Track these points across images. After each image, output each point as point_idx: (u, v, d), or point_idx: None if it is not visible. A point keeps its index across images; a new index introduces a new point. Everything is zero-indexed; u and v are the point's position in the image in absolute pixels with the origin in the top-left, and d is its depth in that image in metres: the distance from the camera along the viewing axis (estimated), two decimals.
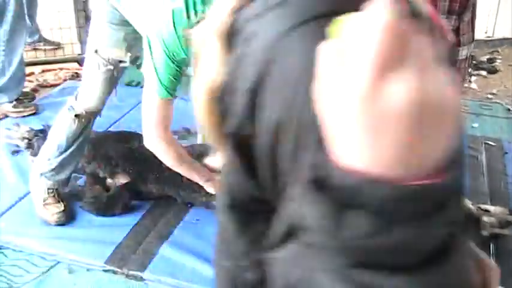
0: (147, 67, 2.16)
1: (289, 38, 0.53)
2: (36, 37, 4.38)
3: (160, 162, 2.34)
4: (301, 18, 0.53)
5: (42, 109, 3.57)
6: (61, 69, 4.21)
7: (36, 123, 3.23)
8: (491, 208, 2.59)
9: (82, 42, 4.16)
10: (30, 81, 3.94)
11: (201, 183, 2.43)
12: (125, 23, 2.31)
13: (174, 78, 2.15)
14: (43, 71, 4.18)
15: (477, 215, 2.51)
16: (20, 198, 2.71)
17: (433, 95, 0.40)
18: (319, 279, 0.46)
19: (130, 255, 2.38)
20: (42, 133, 3.00)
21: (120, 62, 2.38)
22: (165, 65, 2.12)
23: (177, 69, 2.15)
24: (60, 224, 2.56)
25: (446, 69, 0.42)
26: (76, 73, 4.07)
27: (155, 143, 2.25)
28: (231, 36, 0.59)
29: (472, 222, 2.47)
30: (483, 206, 2.60)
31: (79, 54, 4.25)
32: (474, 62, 4.43)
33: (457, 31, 1.79)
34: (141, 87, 2.92)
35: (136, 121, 2.73)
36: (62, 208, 2.58)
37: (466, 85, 3.94)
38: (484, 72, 4.41)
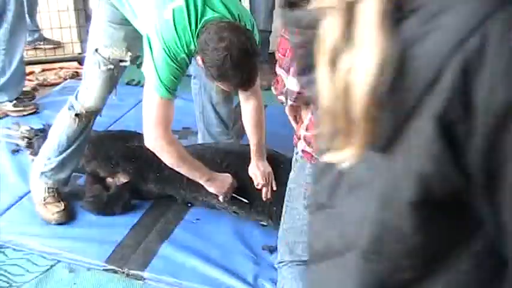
0: (147, 66, 2.16)
1: (495, 21, 0.53)
2: (36, 36, 4.38)
3: (161, 162, 2.34)
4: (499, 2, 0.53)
5: (42, 108, 3.57)
6: (61, 68, 4.21)
7: (36, 123, 3.23)
8: None
9: (82, 41, 4.17)
10: (30, 80, 3.94)
11: (201, 182, 2.43)
12: (125, 22, 2.30)
13: (175, 78, 2.15)
14: (43, 70, 4.18)
15: None
16: (20, 198, 2.71)
17: None
18: None
19: (131, 255, 2.38)
20: (42, 132, 3.00)
21: (121, 61, 2.38)
22: (165, 64, 2.12)
23: (178, 68, 2.15)
24: (61, 223, 2.55)
25: None
26: (76, 72, 4.07)
27: (156, 143, 2.25)
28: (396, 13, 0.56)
29: None
30: None
31: (79, 54, 4.25)
32: None
33: None
34: (141, 86, 2.92)
35: (136, 120, 2.73)
36: (62, 207, 2.57)
37: None
38: None
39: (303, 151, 2.00)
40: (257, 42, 2.17)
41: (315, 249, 0.84)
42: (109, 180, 2.68)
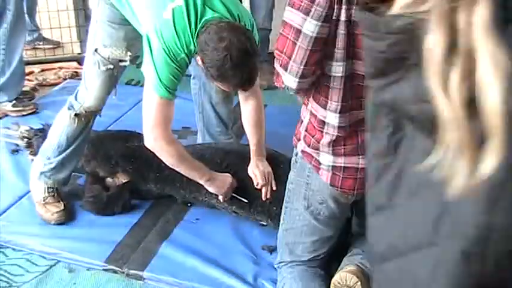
0: (147, 66, 2.16)
1: None
2: (35, 35, 4.38)
3: (160, 162, 2.34)
4: None
5: (41, 108, 3.56)
6: (61, 68, 4.21)
7: (35, 123, 3.22)
8: None
9: (82, 41, 4.17)
10: (29, 80, 3.93)
11: (201, 182, 2.43)
12: (124, 22, 2.30)
13: (174, 78, 2.15)
14: (43, 70, 4.17)
15: None
16: (20, 198, 2.71)
17: None
18: None
19: (130, 255, 2.38)
20: (41, 132, 3.00)
21: (120, 61, 2.38)
22: (165, 64, 2.12)
23: (177, 68, 2.15)
24: (60, 223, 2.55)
25: None
26: (76, 72, 4.07)
27: (155, 143, 2.25)
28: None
29: None
30: None
31: (79, 54, 4.25)
32: None
33: None
34: (141, 86, 2.91)
35: (136, 120, 2.73)
36: (62, 207, 2.57)
37: None
38: None
39: (302, 152, 2.00)
40: (257, 42, 2.17)
41: (378, 250, 0.86)
42: (109, 180, 2.68)
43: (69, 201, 2.64)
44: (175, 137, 2.47)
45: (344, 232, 2.22)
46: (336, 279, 2.04)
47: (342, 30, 1.75)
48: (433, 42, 0.62)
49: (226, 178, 2.46)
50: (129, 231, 2.53)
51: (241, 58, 2.04)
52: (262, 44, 3.05)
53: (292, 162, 2.11)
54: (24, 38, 3.59)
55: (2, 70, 3.43)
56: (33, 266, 2.33)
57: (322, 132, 1.90)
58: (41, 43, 4.41)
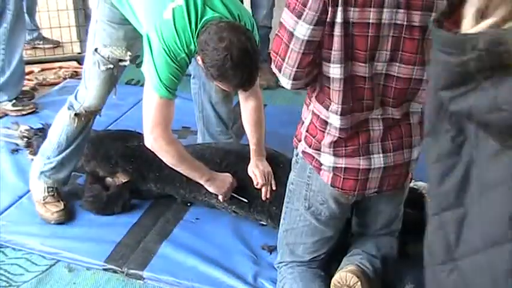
0: (147, 66, 2.16)
1: None
2: (35, 35, 4.38)
3: (160, 161, 2.34)
4: None
5: (41, 108, 3.57)
6: (61, 68, 4.21)
7: (35, 122, 3.22)
8: None
9: (82, 40, 4.17)
10: (29, 79, 3.94)
11: (201, 182, 2.43)
12: (124, 21, 2.30)
13: (174, 78, 2.15)
14: (42, 70, 4.18)
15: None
16: (20, 197, 2.71)
17: None
18: None
19: (130, 254, 2.38)
20: (41, 132, 3.00)
21: (120, 60, 2.38)
22: (165, 64, 2.12)
23: (178, 68, 2.15)
24: (60, 222, 2.55)
25: None
26: (76, 72, 4.07)
27: (155, 142, 2.25)
28: None
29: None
30: None
31: (79, 53, 4.26)
32: None
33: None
34: (141, 86, 2.92)
35: (136, 120, 2.73)
36: (62, 207, 2.57)
37: None
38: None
39: (303, 152, 2.00)
40: (257, 42, 2.17)
41: (440, 249, 0.96)
42: (108, 179, 2.68)
43: (69, 201, 2.64)
44: (175, 136, 2.47)
45: (344, 232, 2.22)
46: (336, 279, 2.04)
47: (337, 32, 1.73)
48: None
49: (226, 178, 2.46)
50: (129, 230, 2.53)
51: (242, 58, 2.04)
52: (262, 44, 3.06)
53: (292, 162, 2.11)
54: (24, 37, 3.59)
55: (2, 70, 3.43)
56: (33, 266, 2.33)
57: (323, 132, 1.90)
58: (41, 42, 4.42)
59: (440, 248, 0.96)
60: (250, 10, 3.94)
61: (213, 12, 2.14)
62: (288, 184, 2.15)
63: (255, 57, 2.10)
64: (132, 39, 2.34)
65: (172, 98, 2.19)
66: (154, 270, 2.30)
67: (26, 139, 3.07)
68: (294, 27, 1.75)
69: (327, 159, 1.92)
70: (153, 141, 2.25)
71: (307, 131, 1.96)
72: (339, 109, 1.83)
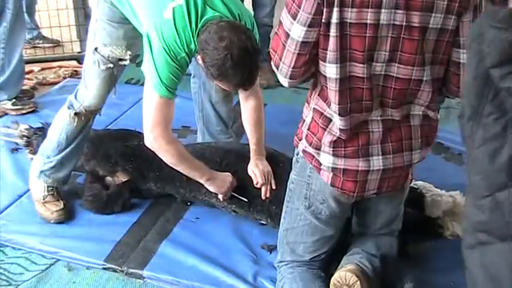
0: (147, 65, 2.16)
1: None
2: (35, 34, 4.38)
3: (160, 161, 2.34)
4: None
5: (41, 107, 3.57)
6: (60, 67, 4.21)
7: (35, 121, 3.22)
8: None
9: (82, 40, 4.17)
10: (29, 79, 3.94)
11: (201, 181, 2.43)
12: (124, 20, 2.30)
13: (175, 77, 2.15)
14: (42, 69, 4.18)
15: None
16: (20, 196, 2.71)
17: None
18: None
19: (130, 253, 2.38)
20: (41, 131, 3.00)
21: (120, 60, 2.38)
22: (165, 64, 2.12)
23: (178, 68, 2.15)
24: (60, 222, 2.55)
25: None
26: (75, 71, 4.07)
27: (155, 142, 2.25)
28: None
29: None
30: None
31: (79, 52, 4.25)
32: None
33: (456, 32, 1.78)
34: (141, 85, 2.91)
35: (135, 119, 2.73)
36: (62, 206, 2.57)
37: None
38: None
39: (303, 151, 2.00)
40: (257, 41, 2.17)
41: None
42: (108, 179, 2.68)
43: (68, 200, 2.64)
44: (175, 136, 2.47)
45: (344, 231, 2.22)
46: (336, 278, 2.04)
47: (333, 32, 1.74)
48: None
49: (226, 177, 2.46)
50: (129, 230, 2.53)
51: (242, 57, 2.04)
52: (263, 43, 3.05)
53: (293, 161, 2.11)
54: (24, 36, 3.59)
55: (1, 69, 3.43)
56: (32, 265, 2.33)
57: (324, 130, 1.89)
58: (41, 42, 4.42)
59: (499, 226, 1.00)
60: (251, 9, 3.95)
61: (213, 11, 2.14)
62: (288, 183, 2.15)
63: (255, 57, 2.10)
64: (132, 39, 2.34)
65: (172, 97, 2.19)
66: (154, 270, 2.30)
67: (25, 138, 3.07)
68: (290, 28, 1.77)
69: (326, 159, 1.92)
70: (153, 140, 2.25)
71: (308, 129, 1.96)
72: (337, 109, 1.83)
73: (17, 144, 3.11)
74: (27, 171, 2.72)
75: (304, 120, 2.00)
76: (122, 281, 2.27)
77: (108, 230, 2.52)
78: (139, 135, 2.48)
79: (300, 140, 2.02)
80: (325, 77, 1.82)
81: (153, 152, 2.29)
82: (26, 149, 3.04)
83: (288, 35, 1.78)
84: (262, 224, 2.57)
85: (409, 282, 2.09)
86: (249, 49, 2.06)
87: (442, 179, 2.69)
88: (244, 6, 2.49)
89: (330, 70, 1.79)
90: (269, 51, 1.94)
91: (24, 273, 2.28)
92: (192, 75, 2.92)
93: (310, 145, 1.95)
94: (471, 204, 1.13)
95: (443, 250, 2.45)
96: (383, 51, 1.77)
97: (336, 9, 1.70)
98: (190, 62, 2.22)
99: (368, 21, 1.72)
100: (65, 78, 4.05)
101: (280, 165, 2.49)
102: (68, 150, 2.54)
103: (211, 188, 2.45)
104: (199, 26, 2.11)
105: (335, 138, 1.88)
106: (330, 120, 1.88)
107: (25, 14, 3.72)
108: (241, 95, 2.46)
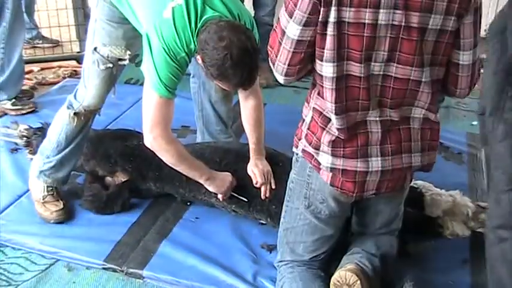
0: (146, 65, 2.16)
1: None
2: (34, 33, 4.38)
3: (160, 161, 2.34)
4: None
5: (41, 107, 3.56)
6: (60, 67, 4.21)
7: (34, 121, 3.22)
8: None
9: (81, 40, 4.16)
10: (29, 79, 3.93)
11: (201, 181, 2.43)
12: (124, 20, 2.30)
13: (174, 77, 2.15)
14: (42, 69, 4.17)
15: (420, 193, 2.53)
16: (19, 196, 2.71)
17: None
18: None
19: (130, 253, 2.38)
20: (40, 131, 3.00)
21: (120, 59, 2.38)
22: (164, 63, 2.12)
23: (177, 67, 2.14)
24: (59, 222, 2.55)
25: None
26: (75, 71, 4.07)
27: (155, 142, 2.25)
28: None
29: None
30: (482, 204, 2.60)
31: (78, 52, 4.25)
32: None
33: (456, 33, 1.77)
34: (140, 85, 2.91)
35: (135, 119, 2.73)
36: (61, 206, 2.57)
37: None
38: (482, 70, 4.40)
39: (303, 151, 2.00)
40: (257, 41, 2.17)
41: None
42: (108, 179, 2.68)
43: (68, 200, 2.64)
44: (174, 135, 2.47)
45: (344, 231, 2.22)
46: (336, 277, 2.04)
47: (330, 31, 1.74)
48: None
49: (226, 177, 2.46)
50: (129, 230, 2.53)
51: (241, 57, 2.04)
52: (263, 42, 3.03)
53: (293, 161, 2.11)
54: (23, 36, 3.59)
55: (1, 69, 3.43)
56: (32, 265, 2.33)
57: (323, 130, 1.89)
58: (40, 42, 4.42)
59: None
60: (252, 8, 3.95)
61: (213, 11, 2.14)
62: (288, 183, 2.15)
63: (254, 56, 2.10)
64: (132, 38, 2.34)
65: (171, 97, 2.19)
66: (153, 269, 2.30)
67: (25, 138, 3.07)
68: (286, 26, 1.78)
69: (325, 159, 1.92)
70: (153, 140, 2.25)
71: (308, 129, 1.96)
72: (333, 108, 1.83)
73: (16, 144, 3.11)
74: (27, 171, 2.72)
75: (304, 120, 2.00)
76: (122, 280, 2.27)
77: (108, 230, 2.52)
78: (139, 135, 2.48)
79: (300, 139, 2.02)
80: (321, 76, 1.82)
81: (152, 152, 2.29)
82: (26, 149, 3.04)
83: (284, 33, 1.80)
84: (262, 224, 2.57)
85: (409, 282, 2.09)
86: (248, 49, 2.06)
87: (442, 179, 2.69)
88: (244, 6, 2.49)
89: (327, 69, 1.79)
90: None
91: (24, 273, 2.28)
92: (191, 75, 2.92)
93: (309, 144, 1.95)
94: (492, 200, 1.12)
95: (443, 249, 2.45)
96: (381, 51, 1.77)
97: (333, 9, 1.71)
98: (190, 62, 2.22)
99: (366, 21, 1.72)
100: (64, 78, 4.05)
101: (279, 164, 2.49)
102: (67, 150, 2.54)
103: (210, 188, 2.45)
104: (198, 25, 2.11)
105: (334, 137, 1.88)
106: (329, 119, 1.88)
107: (24, 14, 3.72)
108: (241, 95, 2.45)
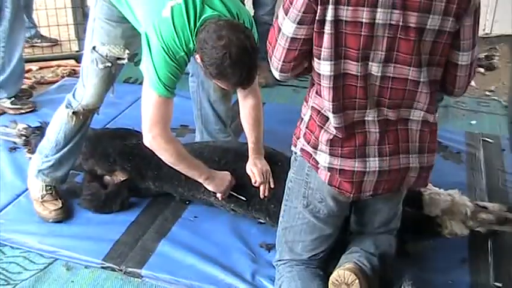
0: (145, 64, 2.16)
1: None
2: (33, 32, 4.38)
3: (159, 160, 2.34)
4: None
5: (39, 106, 3.57)
6: (59, 66, 4.21)
7: (33, 120, 3.22)
8: (489, 205, 2.59)
9: (80, 39, 4.16)
10: (27, 78, 3.93)
11: (200, 180, 2.43)
12: (122, 19, 2.30)
13: (173, 76, 2.15)
14: (41, 68, 4.18)
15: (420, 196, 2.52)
16: (18, 196, 2.71)
17: None
18: None
19: (128, 252, 2.38)
20: (39, 130, 3.00)
21: (118, 59, 2.38)
22: (163, 63, 2.12)
23: (176, 67, 2.14)
24: (58, 221, 2.55)
25: None
26: (74, 70, 4.07)
27: (154, 141, 2.25)
28: None
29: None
30: (481, 203, 2.60)
31: (77, 51, 4.25)
32: None
33: (456, 34, 1.78)
34: (139, 84, 2.91)
35: (134, 118, 2.73)
36: (60, 205, 2.57)
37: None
38: (481, 70, 4.41)
39: (301, 150, 2.00)
40: (256, 40, 2.17)
41: None
42: (107, 178, 2.68)
43: (67, 199, 2.64)
44: (173, 135, 2.47)
45: (342, 230, 2.22)
46: (334, 276, 2.04)
47: (328, 29, 1.74)
48: None
49: (225, 176, 2.46)
50: (127, 229, 2.53)
51: (240, 56, 2.04)
52: (263, 41, 3.04)
53: (291, 160, 2.11)
54: (23, 35, 3.59)
55: (2, 67, 3.43)
56: (31, 264, 2.33)
57: (322, 128, 1.89)
58: (39, 41, 4.42)
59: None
60: (252, 7, 3.94)
61: (212, 10, 2.14)
62: (286, 182, 2.15)
63: (253, 56, 2.10)
64: (130, 37, 2.34)
65: (170, 96, 2.19)
66: (152, 269, 2.30)
67: (24, 137, 3.07)
68: (282, 23, 1.80)
69: (323, 158, 1.92)
70: (152, 139, 2.25)
71: (306, 128, 1.96)
72: (331, 106, 1.83)
73: (15, 143, 3.11)
74: (26, 170, 2.72)
75: (302, 119, 2.00)
76: (121, 280, 2.27)
77: (107, 229, 2.52)
78: (138, 134, 2.48)
79: (298, 138, 2.02)
80: (319, 74, 1.83)
81: (151, 151, 2.29)
82: (24, 148, 3.04)
83: (280, 30, 1.81)
84: (261, 223, 2.57)
85: (407, 281, 2.09)
86: (247, 48, 2.06)
87: (441, 178, 2.68)
88: (243, 5, 2.49)
89: (324, 67, 1.79)
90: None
91: (23, 272, 2.28)
92: (190, 74, 2.92)
93: (308, 143, 1.95)
94: None
95: (441, 249, 2.45)
96: (379, 51, 1.77)
97: (330, 7, 1.71)
98: (189, 61, 2.22)
99: (363, 20, 1.72)
100: (63, 77, 4.05)
101: (278, 164, 2.49)
102: (66, 149, 2.54)
103: (209, 187, 2.45)
104: (197, 25, 2.11)
105: (332, 136, 1.88)
106: (327, 118, 1.88)
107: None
108: (240, 94, 2.45)
